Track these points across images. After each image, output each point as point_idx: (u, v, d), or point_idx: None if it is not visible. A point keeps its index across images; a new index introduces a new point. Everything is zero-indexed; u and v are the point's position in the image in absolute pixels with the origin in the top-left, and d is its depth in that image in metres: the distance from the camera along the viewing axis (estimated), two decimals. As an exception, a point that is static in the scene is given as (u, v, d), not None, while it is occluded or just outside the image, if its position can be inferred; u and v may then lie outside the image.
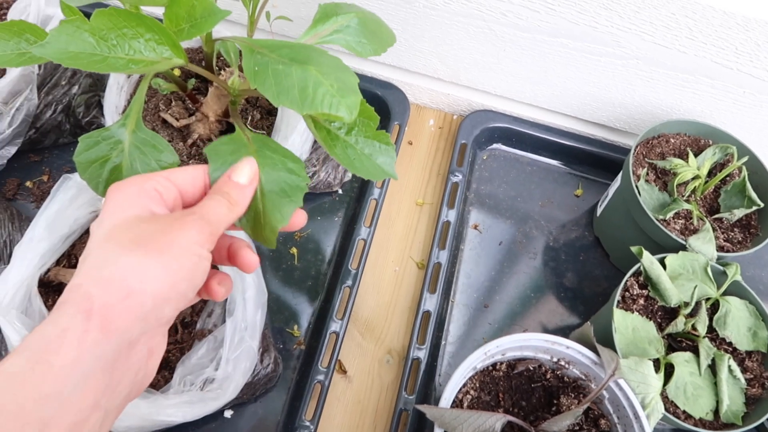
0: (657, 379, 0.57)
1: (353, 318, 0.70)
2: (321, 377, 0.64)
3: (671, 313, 0.64)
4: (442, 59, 0.83)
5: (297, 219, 0.45)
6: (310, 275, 0.73)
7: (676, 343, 0.63)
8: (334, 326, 0.67)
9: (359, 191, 0.79)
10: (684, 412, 0.58)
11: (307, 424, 0.62)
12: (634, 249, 0.64)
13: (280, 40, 0.48)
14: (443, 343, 0.71)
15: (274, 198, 0.46)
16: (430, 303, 0.70)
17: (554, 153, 0.85)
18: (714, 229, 0.70)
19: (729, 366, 0.59)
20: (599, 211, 0.80)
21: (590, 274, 0.78)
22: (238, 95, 0.59)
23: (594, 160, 0.85)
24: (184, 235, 0.36)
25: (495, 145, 0.86)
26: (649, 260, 0.63)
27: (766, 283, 0.81)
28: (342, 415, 0.66)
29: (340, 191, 0.79)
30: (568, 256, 0.79)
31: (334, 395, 0.66)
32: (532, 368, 0.60)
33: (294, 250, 0.74)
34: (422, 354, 0.67)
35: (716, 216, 0.71)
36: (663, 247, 0.68)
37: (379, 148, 0.52)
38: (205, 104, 0.67)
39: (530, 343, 0.58)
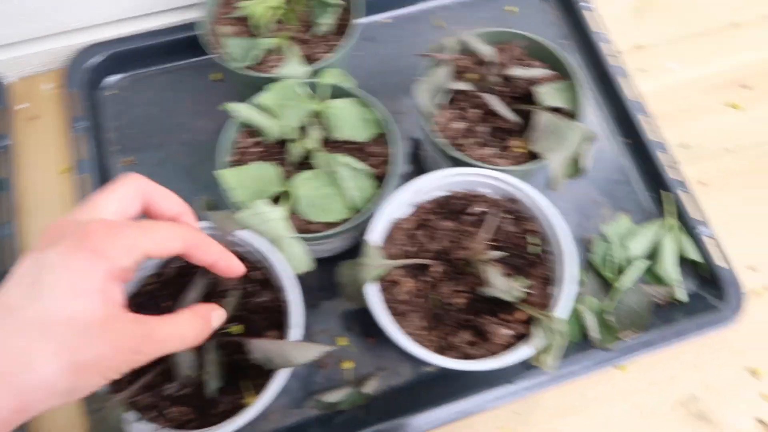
0: (276, 210, 0.59)
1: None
2: None
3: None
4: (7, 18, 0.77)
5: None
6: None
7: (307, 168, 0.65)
8: None
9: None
10: (324, 223, 0.61)
11: None
12: (225, 106, 0.64)
13: None
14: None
15: None
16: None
17: (172, 54, 0.83)
18: (313, 46, 0.71)
19: (343, 162, 0.62)
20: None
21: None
22: None
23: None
24: (124, 364, 0.35)
25: (115, 77, 0.82)
26: (237, 109, 0.63)
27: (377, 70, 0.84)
28: None
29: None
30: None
31: None
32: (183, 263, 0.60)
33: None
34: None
35: (315, 34, 0.72)
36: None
37: None
38: None
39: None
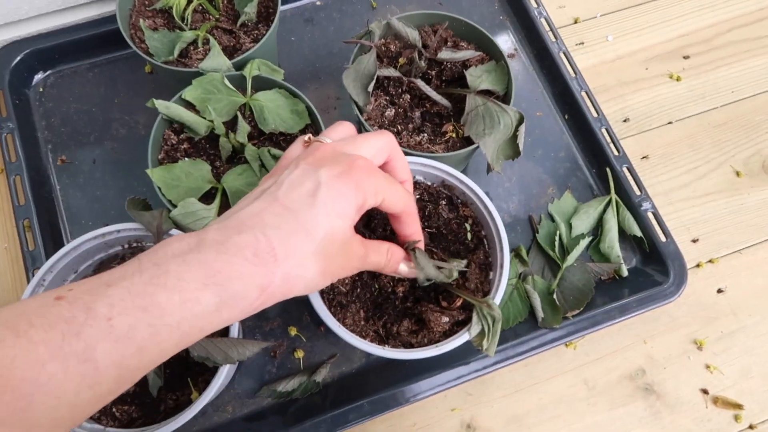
0: (207, 209, 0.57)
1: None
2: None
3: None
4: None
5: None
6: None
7: (239, 163, 0.63)
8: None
9: None
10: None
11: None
12: (150, 103, 0.62)
13: None
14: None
15: None
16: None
17: (101, 48, 0.79)
18: (239, 36, 0.69)
19: (272, 154, 0.60)
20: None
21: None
22: None
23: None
24: (346, 274, 0.43)
25: (41, 74, 0.79)
26: (163, 106, 0.61)
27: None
28: None
29: None
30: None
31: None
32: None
33: None
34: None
35: (241, 23, 0.70)
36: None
37: None
38: None
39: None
